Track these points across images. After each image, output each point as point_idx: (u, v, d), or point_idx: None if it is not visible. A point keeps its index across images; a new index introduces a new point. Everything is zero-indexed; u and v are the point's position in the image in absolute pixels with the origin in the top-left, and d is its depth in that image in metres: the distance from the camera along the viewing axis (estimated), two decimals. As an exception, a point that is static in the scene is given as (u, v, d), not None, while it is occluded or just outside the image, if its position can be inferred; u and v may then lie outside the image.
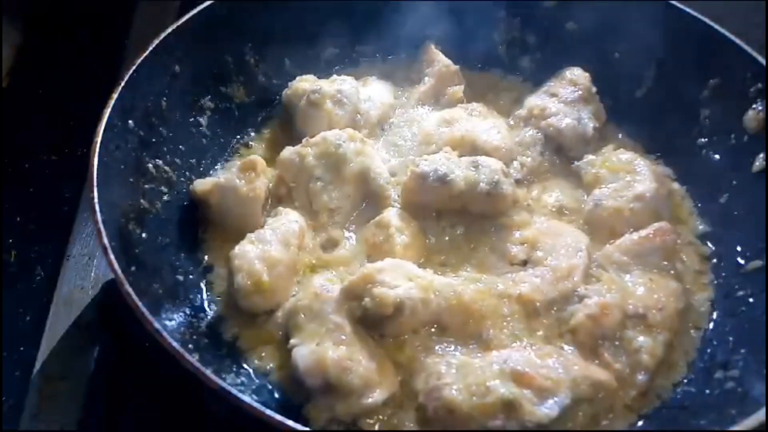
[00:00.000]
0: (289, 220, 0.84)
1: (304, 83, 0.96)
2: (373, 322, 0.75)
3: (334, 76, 0.98)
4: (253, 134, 0.98)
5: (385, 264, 0.77)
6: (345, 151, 0.88)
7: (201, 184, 0.87)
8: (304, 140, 0.89)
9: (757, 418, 0.65)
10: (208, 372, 0.64)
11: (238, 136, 0.97)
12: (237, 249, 0.79)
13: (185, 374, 0.67)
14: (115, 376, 0.79)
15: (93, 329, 0.82)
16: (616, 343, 0.77)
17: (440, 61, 1.02)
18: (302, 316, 0.75)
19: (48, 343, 0.81)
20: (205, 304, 0.81)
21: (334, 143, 0.88)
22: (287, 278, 0.80)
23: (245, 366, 0.76)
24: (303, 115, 0.94)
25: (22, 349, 0.82)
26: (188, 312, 0.79)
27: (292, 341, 0.73)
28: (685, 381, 0.78)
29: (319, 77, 0.98)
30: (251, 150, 0.96)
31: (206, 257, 0.85)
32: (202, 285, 0.83)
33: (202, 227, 0.87)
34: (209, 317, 0.80)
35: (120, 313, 0.78)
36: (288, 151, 0.89)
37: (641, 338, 0.77)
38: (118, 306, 0.77)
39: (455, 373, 0.72)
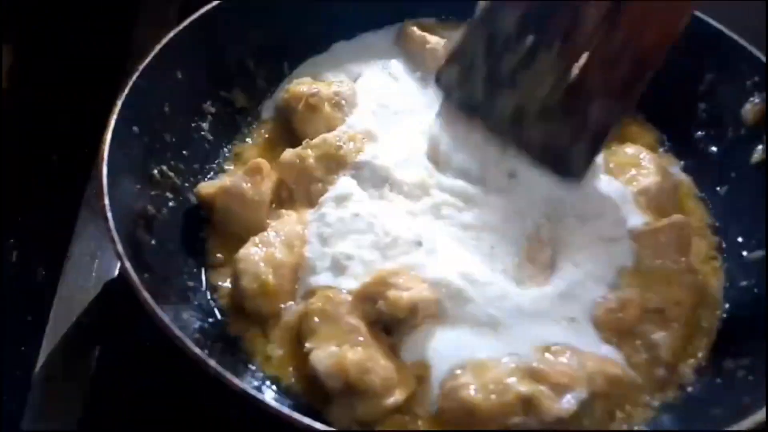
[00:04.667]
0: (292, 222, 0.84)
1: (302, 86, 0.96)
2: (387, 324, 0.75)
3: (331, 78, 0.99)
4: (253, 137, 0.98)
5: (398, 267, 0.77)
6: (346, 152, 0.88)
7: (206, 187, 0.87)
8: (304, 142, 0.90)
9: (757, 418, 0.65)
10: (229, 376, 0.64)
11: (239, 140, 0.97)
12: (241, 252, 0.79)
13: (186, 374, 0.67)
14: (116, 377, 0.79)
15: (94, 329, 0.82)
16: (636, 337, 0.77)
17: (429, 41, 1.02)
18: (316, 319, 0.74)
19: (48, 343, 0.81)
20: (215, 308, 0.81)
21: (335, 144, 0.88)
22: (292, 280, 0.80)
23: (255, 370, 0.76)
24: (301, 118, 0.94)
25: (22, 349, 0.81)
26: (200, 316, 0.78)
27: (308, 345, 0.73)
28: (701, 371, 0.78)
29: (316, 80, 0.98)
30: (250, 152, 0.96)
31: (212, 260, 0.85)
32: (211, 289, 0.82)
33: (206, 230, 0.87)
34: (219, 321, 0.80)
35: (121, 313, 0.78)
36: (288, 154, 0.89)
37: (660, 333, 0.77)
38: (119, 306, 0.77)
39: (471, 373, 0.72)
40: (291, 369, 0.75)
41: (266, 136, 0.98)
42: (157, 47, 0.87)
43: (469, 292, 0.77)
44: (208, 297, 0.81)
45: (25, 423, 0.75)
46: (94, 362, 0.80)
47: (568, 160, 0.83)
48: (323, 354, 0.71)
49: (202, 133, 0.94)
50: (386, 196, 0.86)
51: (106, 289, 0.85)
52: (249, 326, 0.79)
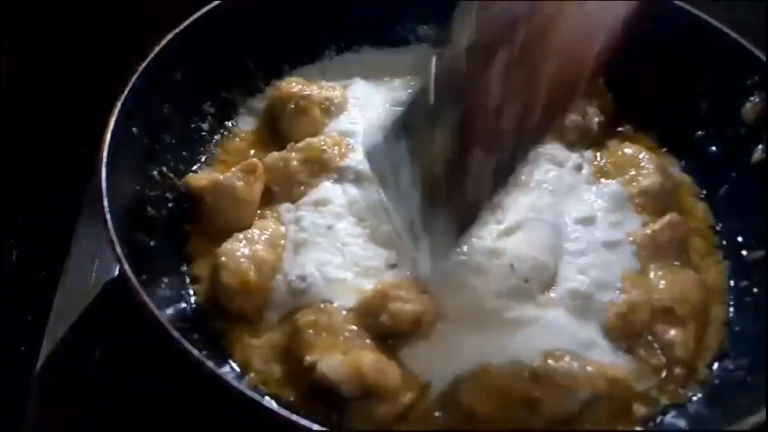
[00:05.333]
0: (274, 222, 0.84)
1: (293, 86, 0.96)
2: (388, 336, 0.75)
3: (324, 83, 0.98)
4: (241, 133, 0.98)
5: (398, 280, 0.77)
6: (330, 156, 0.88)
7: (197, 179, 0.86)
8: (288, 145, 0.90)
9: (756, 417, 0.64)
10: (229, 378, 0.64)
11: (228, 135, 0.97)
12: (224, 246, 0.79)
13: (185, 374, 0.67)
14: (116, 377, 0.79)
15: (94, 329, 0.82)
16: (649, 338, 0.77)
17: None
18: (310, 331, 0.73)
19: (48, 343, 0.81)
20: (196, 307, 0.80)
21: (319, 148, 0.89)
22: (272, 280, 0.79)
23: (242, 373, 0.75)
24: (289, 120, 0.94)
25: (22, 348, 0.81)
26: (195, 317, 0.78)
27: (309, 358, 0.71)
28: (718, 368, 0.78)
29: (309, 82, 0.98)
30: (237, 149, 0.96)
31: (193, 255, 0.84)
32: (192, 285, 0.82)
33: (190, 225, 0.86)
34: (211, 324, 0.79)
35: (121, 313, 0.78)
36: (273, 156, 0.89)
37: (673, 332, 0.77)
38: (119, 306, 0.77)
39: (473, 379, 0.72)
40: (277, 378, 0.74)
41: (254, 132, 0.98)
42: (157, 48, 0.87)
43: (469, 304, 0.77)
44: (191, 294, 0.81)
45: (25, 423, 0.75)
46: (94, 363, 0.79)
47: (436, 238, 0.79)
48: (334, 362, 0.70)
49: (203, 134, 0.94)
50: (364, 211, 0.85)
51: (106, 289, 0.85)
52: (226, 326, 0.78)
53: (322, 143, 0.89)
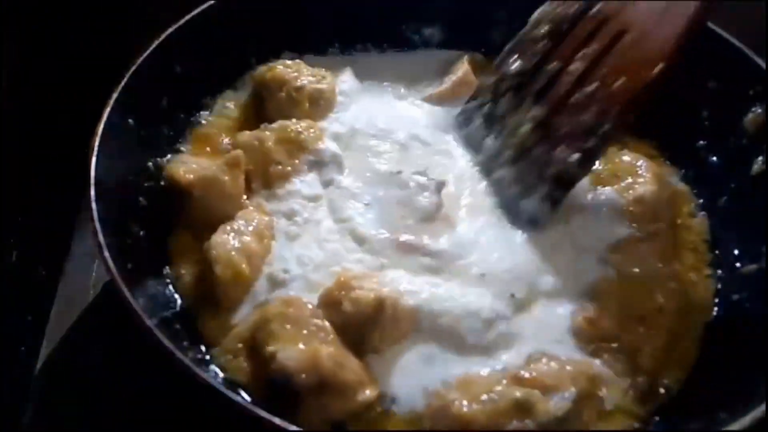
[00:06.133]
0: (258, 211, 0.84)
1: (285, 71, 0.95)
2: (355, 332, 0.74)
3: (317, 70, 0.97)
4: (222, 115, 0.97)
5: (360, 272, 0.78)
6: (306, 137, 0.89)
7: (183, 173, 0.84)
8: (262, 126, 0.90)
9: (753, 416, 0.65)
10: (218, 386, 0.64)
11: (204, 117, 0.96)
12: (214, 239, 0.78)
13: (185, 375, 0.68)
14: (116, 377, 0.79)
15: (94, 329, 0.82)
16: (615, 345, 0.76)
17: (465, 74, 1.01)
18: (276, 323, 0.73)
19: (49, 343, 0.81)
20: (179, 299, 0.80)
21: (295, 130, 0.89)
22: (261, 272, 0.80)
23: (218, 372, 0.75)
24: (277, 105, 0.94)
25: (22, 348, 0.82)
26: (181, 312, 0.79)
27: (271, 348, 0.71)
28: (685, 382, 0.77)
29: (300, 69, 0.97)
30: (217, 133, 0.95)
31: (177, 248, 0.83)
32: (173, 278, 0.81)
33: (173, 215, 0.85)
34: (195, 317, 0.79)
35: (121, 313, 0.78)
36: (246, 135, 0.89)
37: (641, 340, 0.77)
38: (119, 306, 0.77)
39: (458, 390, 0.72)
40: (247, 375, 0.73)
41: (236, 116, 0.97)
42: (155, 42, 0.87)
43: (438, 314, 0.77)
44: (170, 285, 0.80)
45: (25, 423, 0.76)
46: (94, 362, 0.80)
47: (528, 209, 0.85)
48: (293, 351, 0.69)
49: (202, 127, 0.94)
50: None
51: (106, 289, 0.84)
52: (206, 318, 0.78)
53: (297, 126, 0.90)
